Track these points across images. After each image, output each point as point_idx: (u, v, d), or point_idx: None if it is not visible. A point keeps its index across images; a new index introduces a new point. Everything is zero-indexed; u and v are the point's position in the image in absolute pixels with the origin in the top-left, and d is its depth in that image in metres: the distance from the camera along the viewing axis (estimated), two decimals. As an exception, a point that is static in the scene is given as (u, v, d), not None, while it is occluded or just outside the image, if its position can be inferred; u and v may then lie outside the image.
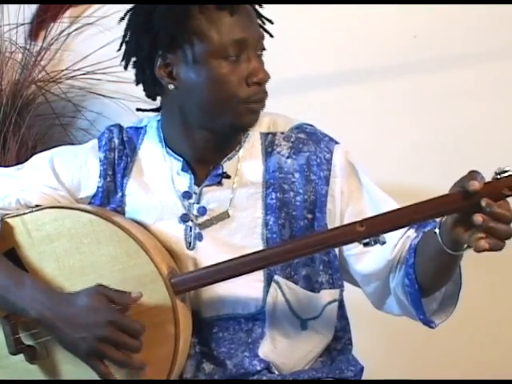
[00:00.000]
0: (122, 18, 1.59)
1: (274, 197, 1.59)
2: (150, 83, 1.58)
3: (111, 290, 1.49)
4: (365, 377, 1.71)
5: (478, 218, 1.31)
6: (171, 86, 1.54)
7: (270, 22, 1.60)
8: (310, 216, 1.59)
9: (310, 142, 1.61)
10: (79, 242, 1.54)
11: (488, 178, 1.36)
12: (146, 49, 1.54)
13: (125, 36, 1.59)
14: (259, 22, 1.58)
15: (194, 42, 1.50)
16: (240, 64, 1.51)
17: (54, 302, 1.49)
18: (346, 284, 1.66)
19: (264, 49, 1.55)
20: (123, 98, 2.45)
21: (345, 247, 1.60)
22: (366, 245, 1.42)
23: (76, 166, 1.64)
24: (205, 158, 1.60)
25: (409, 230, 1.56)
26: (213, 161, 1.60)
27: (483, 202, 1.31)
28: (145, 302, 1.49)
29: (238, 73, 1.51)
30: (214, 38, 1.49)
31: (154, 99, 1.63)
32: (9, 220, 1.60)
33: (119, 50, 1.60)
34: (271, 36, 1.60)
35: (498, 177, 1.33)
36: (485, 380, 2.35)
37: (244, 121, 1.54)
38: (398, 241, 1.55)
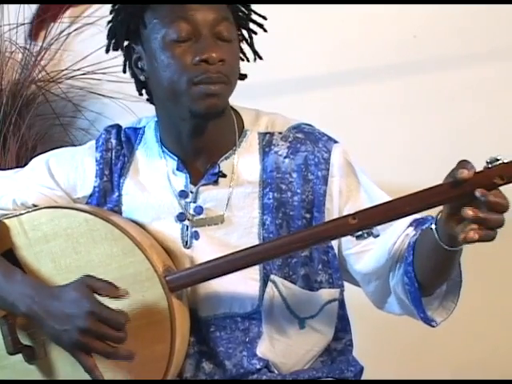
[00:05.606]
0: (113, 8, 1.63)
1: (271, 197, 1.59)
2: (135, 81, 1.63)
3: (99, 280, 1.47)
4: (365, 377, 1.70)
5: (468, 212, 1.29)
6: (142, 78, 1.59)
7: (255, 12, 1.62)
8: (308, 216, 1.59)
9: (308, 141, 1.61)
10: (75, 241, 1.54)
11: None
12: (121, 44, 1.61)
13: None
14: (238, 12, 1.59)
15: (148, 30, 1.53)
16: (190, 46, 1.51)
17: (41, 296, 1.49)
18: (345, 284, 1.66)
19: (224, 39, 1.52)
20: (123, 98, 2.46)
21: (344, 246, 1.60)
22: (358, 237, 1.41)
23: (72, 166, 1.65)
24: (198, 155, 1.60)
25: (408, 227, 1.55)
26: (208, 159, 1.60)
27: (477, 192, 1.29)
28: (140, 299, 1.49)
29: (187, 53, 1.50)
30: (163, 22, 1.51)
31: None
32: (6, 221, 1.60)
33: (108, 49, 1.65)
34: (262, 27, 1.61)
35: (490, 166, 1.31)
36: (485, 380, 2.35)
37: (199, 105, 1.51)
38: (397, 239, 1.54)
